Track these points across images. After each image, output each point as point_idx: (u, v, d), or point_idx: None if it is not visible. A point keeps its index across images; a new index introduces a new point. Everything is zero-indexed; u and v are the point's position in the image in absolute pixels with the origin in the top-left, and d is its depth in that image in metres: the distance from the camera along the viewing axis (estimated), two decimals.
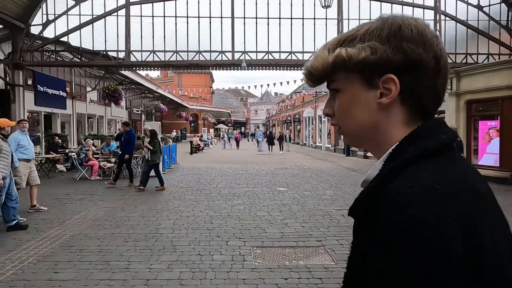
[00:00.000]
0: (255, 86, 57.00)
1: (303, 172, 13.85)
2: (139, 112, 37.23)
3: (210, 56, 16.99)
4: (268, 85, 73.95)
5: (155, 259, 4.47)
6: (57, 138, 14.55)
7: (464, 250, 0.59)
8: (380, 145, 0.77)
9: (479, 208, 0.65)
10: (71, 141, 20.98)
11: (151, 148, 9.54)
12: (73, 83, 22.03)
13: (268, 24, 17.14)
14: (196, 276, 4.03)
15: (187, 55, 16.92)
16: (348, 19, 17.43)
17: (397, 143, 0.73)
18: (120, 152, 11.66)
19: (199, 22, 16.91)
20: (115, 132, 28.55)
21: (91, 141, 12.72)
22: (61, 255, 4.66)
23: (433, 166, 0.67)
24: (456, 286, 0.58)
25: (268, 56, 17.08)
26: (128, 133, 10.21)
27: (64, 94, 20.43)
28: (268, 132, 27.35)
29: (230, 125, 71.80)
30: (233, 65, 17.08)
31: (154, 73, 60.35)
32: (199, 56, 16.90)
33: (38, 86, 17.88)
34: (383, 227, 0.61)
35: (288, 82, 57.42)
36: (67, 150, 14.35)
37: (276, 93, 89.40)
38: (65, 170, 12.99)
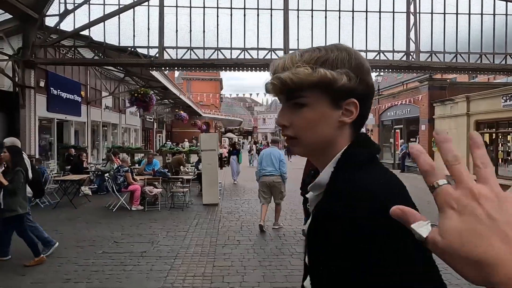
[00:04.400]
0: (264, 94, 54.45)
1: None
2: (152, 120, 34.45)
3: (258, 54, 14.34)
4: None
5: None
6: (84, 154, 11.74)
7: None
8: (328, 154, 0.89)
9: (410, 201, 0.78)
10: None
11: (5, 183, 4.80)
12: (88, 86, 19.30)
13: (325, 17, 14.53)
14: None
15: (231, 53, 14.26)
16: (420, 12, 14.81)
17: (342, 152, 0.87)
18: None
19: (244, 15, 14.31)
20: (131, 143, 25.76)
21: (127, 156, 9.85)
22: None
23: (377, 167, 0.85)
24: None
25: None
26: None
27: (79, 98, 17.69)
28: None
29: (237, 133, 69.26)
30: None
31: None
32: (244, 54, 14.24)
33: (51, 88, 15.15)
34: (363, 213, 0.73)
35: None
36: (93, 168, 11.47)
37: (278, 102, 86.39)
38: (90, 194, 10.17)
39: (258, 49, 14.25)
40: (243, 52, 14.22)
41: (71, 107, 16.97)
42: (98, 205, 8.96)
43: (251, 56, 14.23)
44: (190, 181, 9.83)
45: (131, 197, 8.64)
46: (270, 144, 7.53)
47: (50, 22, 13.84)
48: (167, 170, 10.03)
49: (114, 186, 8.26)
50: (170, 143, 25.49)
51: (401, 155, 19.01)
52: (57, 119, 15.98)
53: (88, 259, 5.00)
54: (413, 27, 14.55)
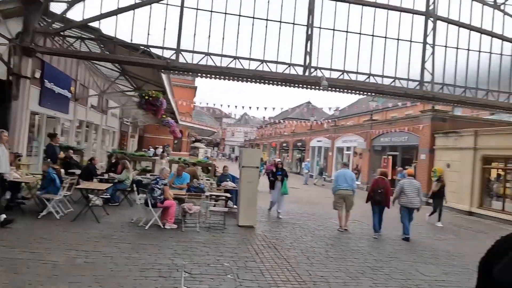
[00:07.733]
0: (235, 107, 54.12)
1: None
2: (128, 124, 32.68)
3: (276, 68, 13.85)
4: (248, 107, 70.88)
5: None
6: (97, 159, 10.46)
7: None
8: None
9: None
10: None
11: None
12: (78, 82, 17.79)
13: (346, 39, 14.37)
14: None
15: (249, 64, 13.64)
16: (435, 44, 15.07)
17: None
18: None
19: (266, 26, 13.81)
20: (107, 145, 24.08)
21: (167, 170, 8.69)
22: None
23: None
24: None
25: (343, 76, 14.22)
26: None
27: (69, 94, 16.23)
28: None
29: (204, 144, 67.87)
30: (307, 83, 14.01)
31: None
32: (263, 66, 13.70)
33: (45, 81, 13.69)
34: None
35: (273, 108, 55.00)
36: (105, 175, 10.19)
37: (249, 116, 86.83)
38: (100, 204, 8.96)
39: (277, 62, 13.77)
40: (262, 64, 13.67)
41: (61, 103, 15.49)
42: (121, 220, 7.81)
43: (269, 69, 13.71)
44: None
45: (163, 213, 7.64)
46: (342, 167, 10.25)
47: (56, 8, 12.55)
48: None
49: (150, 200, 7.24)
50: (153, 149, 24.15)
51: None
52: (47, 115, 14.48)
53: None
54: (430, 57, 14.77)
